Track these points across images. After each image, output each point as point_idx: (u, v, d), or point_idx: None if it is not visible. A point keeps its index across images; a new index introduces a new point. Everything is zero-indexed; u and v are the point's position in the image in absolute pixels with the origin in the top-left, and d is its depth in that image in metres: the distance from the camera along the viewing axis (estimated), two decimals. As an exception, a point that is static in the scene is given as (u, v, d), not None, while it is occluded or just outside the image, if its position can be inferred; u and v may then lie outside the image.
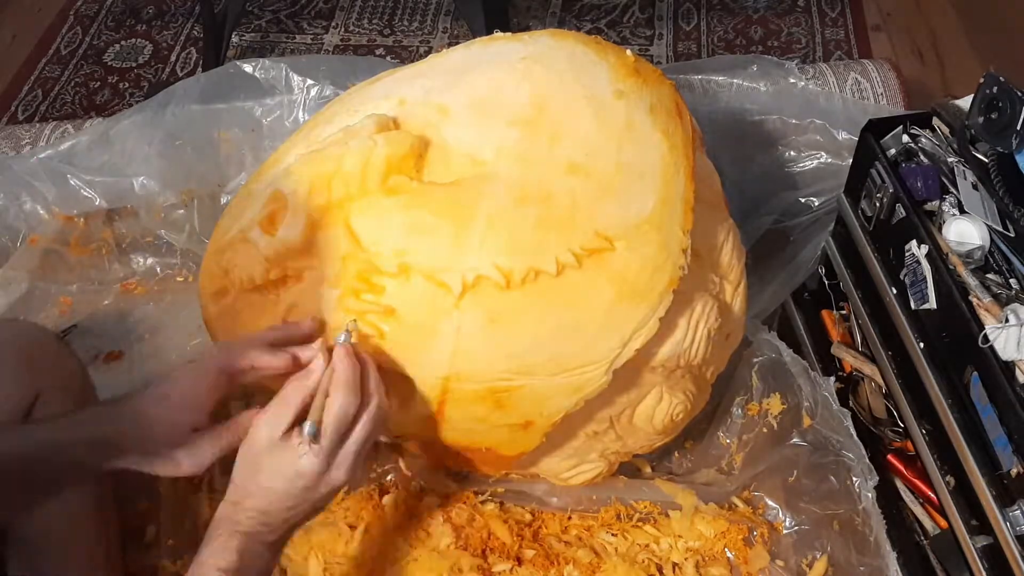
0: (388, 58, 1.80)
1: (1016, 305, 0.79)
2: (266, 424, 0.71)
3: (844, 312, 1.10)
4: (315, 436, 0.70)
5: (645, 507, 1.01)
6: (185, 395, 0.73)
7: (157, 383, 0.74)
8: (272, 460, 0.70)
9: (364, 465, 0.78)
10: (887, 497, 0.96)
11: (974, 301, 0.81)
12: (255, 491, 0.71)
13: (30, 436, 0.73)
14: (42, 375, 0.87)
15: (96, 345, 1.18)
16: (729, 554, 0.99)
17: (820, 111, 1.24)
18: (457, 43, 0.94)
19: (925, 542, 0.95)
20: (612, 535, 1.00)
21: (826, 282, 1.10)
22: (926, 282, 0.85)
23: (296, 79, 1.26)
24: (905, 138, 0.96)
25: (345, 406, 0.71)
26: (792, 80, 1.29)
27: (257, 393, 0.88)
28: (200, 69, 1.80)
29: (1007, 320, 0.78)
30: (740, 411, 1.08)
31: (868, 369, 1.03)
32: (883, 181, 0.92)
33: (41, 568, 0.82)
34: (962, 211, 0.88)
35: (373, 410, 0.73)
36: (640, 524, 1.01)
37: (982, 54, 1.70)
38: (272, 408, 0.72)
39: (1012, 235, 0.85)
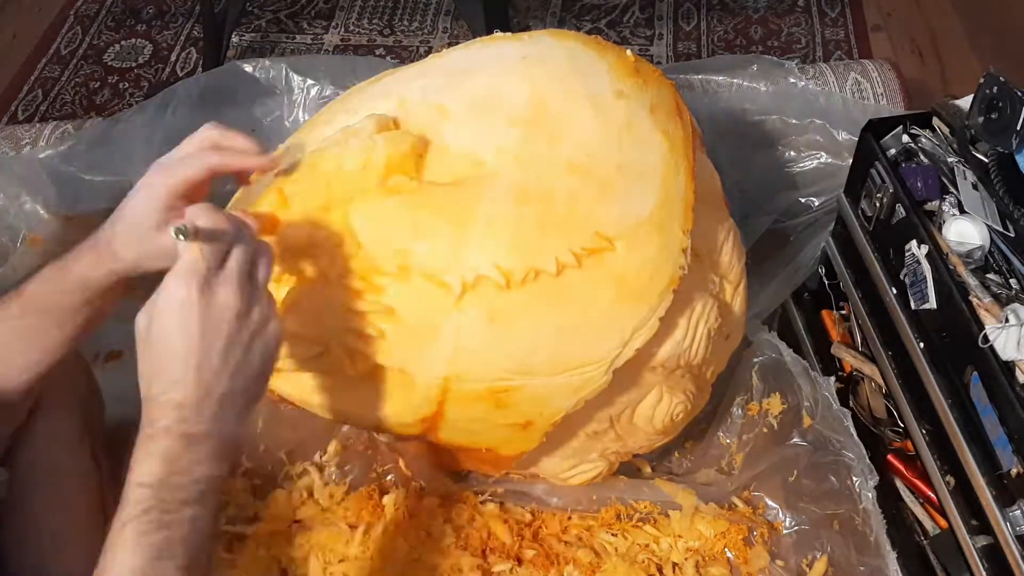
0: (388, 58, 1.80)
1: (1016, 305, 0.79)
2: (143, 309, 0.62)
3: (844, 312, 1.10)
4: (184, 232, 0.60)
5: (645, 507, 1.01)
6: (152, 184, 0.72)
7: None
8: (155, 321, 0.61)
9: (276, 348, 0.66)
10: (887, 497, 0.96)
11: (974, 301, 0.81)
12: (157, 367, 0.61)
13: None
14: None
15: (96, 345, 1.18)
16: (729, 554, 0.99)
17: (820, 111, 1.24)
18: (457, 43, 0.94)
19: (925, 542, 0.95)
20: (612, 535, 1.00)
21: (826, 282, 1.10)
22: (926, 282, 0.85)
23: (296, 79, 1.26)
24: (905, 138, 0.96)
25: (215, 221, 0.63)
26: (792, 80, 1.29)
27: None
28: (200, 69, 1.80)
29: (1007, 320, 0.78)
30: (740, 411, 1.08)
31: (868, 369, 1.03)
32: (883, 181, 0.92)
33: (41, 563, 0.82)
34: (962, 211, 0.88)
35: (252, 235, 0.66)
36: (640, 524, 1.01)
37: (982, 54, 1.70)
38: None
39: (1012, 235, 0.85)
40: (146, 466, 0.59)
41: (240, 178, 0.81)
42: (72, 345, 0.80)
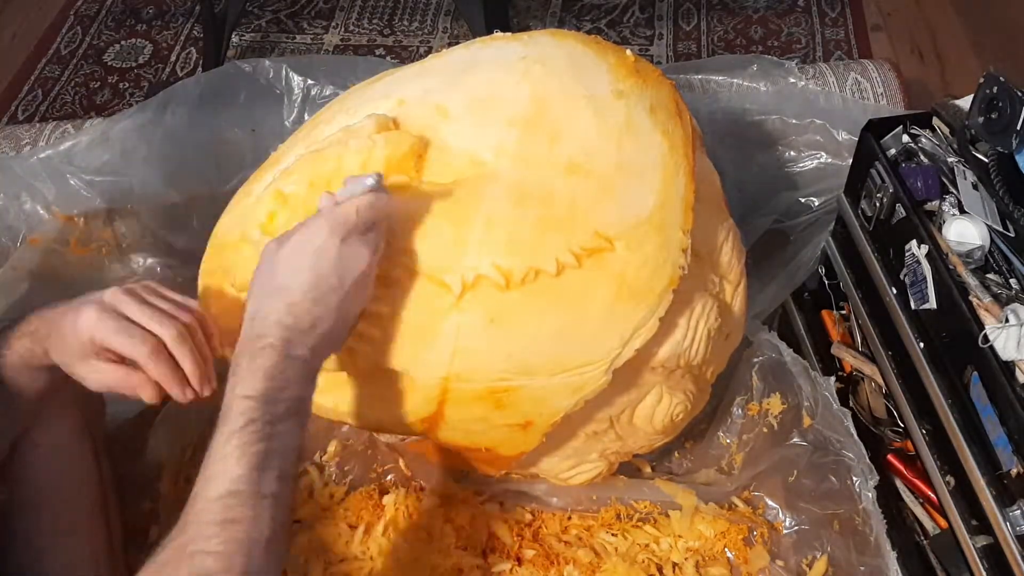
0: (388, 58, 1.80)
1: (1016, 305, 0.79)
2: (276, 239, 0.70)
3: (844, 312, 1.10)
4: (379, 179, 0.70)
5: (645, 507, 1.01)
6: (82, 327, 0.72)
7: (89, 295, 0.73)
8: (289, 247, 0.68)
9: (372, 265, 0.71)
10: (887, 497, 0.96)
11: (974, 301, 0.81)
12: (276, 288, 0.67)
13: None
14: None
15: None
16: (729, 554, 0.99)
17: (820, 111, 1.24)
18: (457, 43, 0.94)
19: (925, 542, 0.95)
20: (612, 535, 1.00)
21: (826, 282, 1.10)
22: (926, 282, 0.85)
23: (296, 79, 1.26)
24: (905, 138, 0.96)
25: (379, 200, 0.71)
26: (792, 80, 1.29)
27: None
28: (200, 69, 1.80)
29: (1007, 320, 0.78)
30: (740, 411, 1.08)
31: (868, 369, 1.03)
32: (883, 181, 0.92)
33: (42, 563, 0.82)
34: (962, 211, 0.88)
35: (381, 193, 0.72)
36: (640, 524, 1.01)
37: (982, 54, 1.70)
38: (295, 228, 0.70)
39: (1012, 235, 0.85)
40: (251, 380, 0.64)
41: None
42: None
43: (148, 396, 0.72)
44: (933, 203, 0.91)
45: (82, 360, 0.72)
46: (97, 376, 0.72)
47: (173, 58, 1.86)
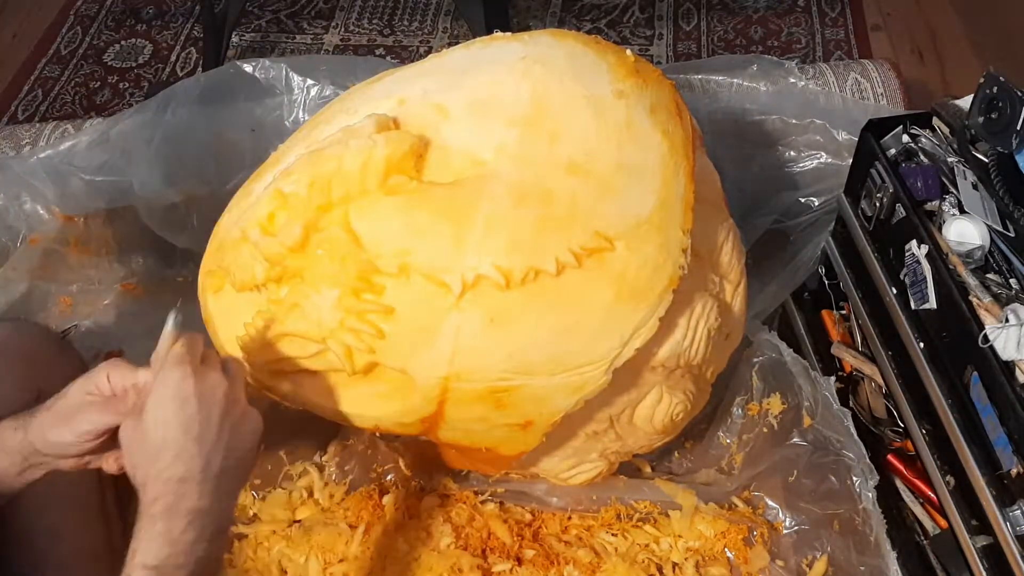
0: (388, 58, 1.80)
1: (1016, 305, 0.79)
2: (125, 423, 0.66)
3: (844, 312, 1.10)
4: (178, 321, 0.68)
5: (645, 507, 1.01)
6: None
7: (55, 399, 0.71)
8: (149, 410, 0.65)
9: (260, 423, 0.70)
10: (887, 497, 0.96)
11: (974, 301, 0.81)
12: (155, 449, 0.64)
13: None
14: (43, 375, 0.87)
15: (96, 345, 1.18)
16: (729, 554, 0.99)
17: (820, 111, 1.24)
18: (457, 43, 0.94)
19: (925, 542, 0.95)
20: (612, 535, 1.00)
21: (826, 282, 1.10)
22: (926, 282, 0.85)
23: (296, 79, 1.26)
24: (905, 138, 0.96)
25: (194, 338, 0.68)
26: (792, 80, 1.29)
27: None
28: (200, 69, 1.80)
29: (1007, 320, 0.78)
30: (740, 411, 1.08)
31: (868, 369, 1.03)
32: (883, 181, 0.92)
33: (40, 563, 0.82)
34: (962, 211, 0.88)
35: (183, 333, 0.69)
36: (640, 524, 1.01)
37: (982, 54, 1.70)
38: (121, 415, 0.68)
39: (1012, 235, 0.85)
40: (150, 547, 0.61)
41: None
42: None
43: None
44: (933, 203, 0.91)
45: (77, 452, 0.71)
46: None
47: (173, 58, 1.86)
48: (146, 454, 0.65)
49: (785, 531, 1.00)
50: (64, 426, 0.69)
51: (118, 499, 0.95)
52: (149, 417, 0.65)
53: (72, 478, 0.86)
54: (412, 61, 0.96)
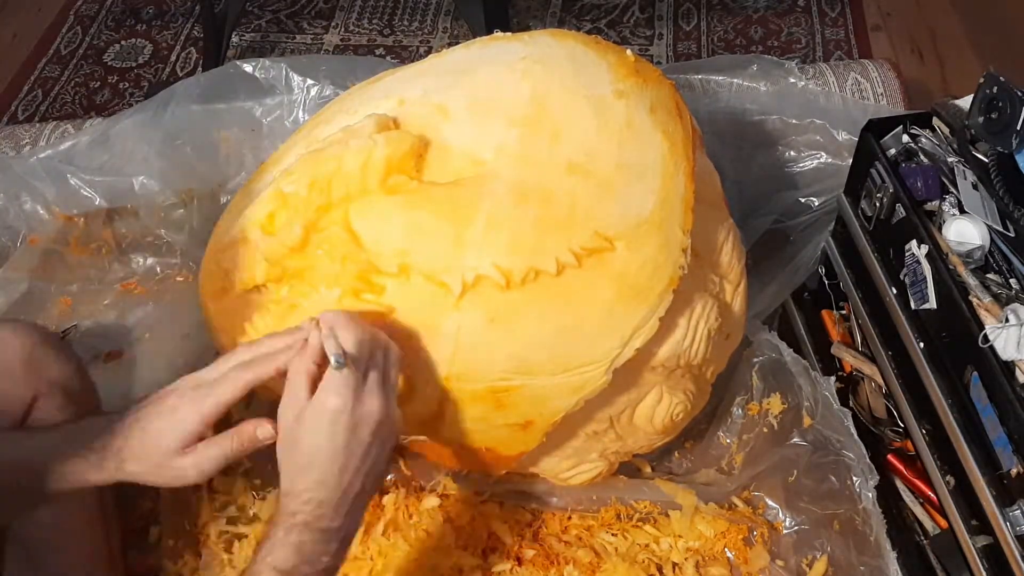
0: (388, 58, 1.80)
1: (1016, 305, 0.79)
2: (287, 406, 0.70)
3: (844, 312, 1.10)
4: (341, 363, 0.68)
5: (645, 507, 1.01)
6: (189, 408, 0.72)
7: (161, 393, 0.73)
8: (304, 425, 0.68)
9: (395, 409, 0.72)
10: (887, 497, 0.96)
11: (974, 301, 0.81)
12: (302, 466, 0.68)
13: (26, 442, 0.73)
14: (42, 375, 0.87)
15: (96, 345, 1.18)
16: (729, 554, 0.99)
17: (820, 111, 1.24)
18: (457, 43, 0.94)
19: (925, 542, 0.95)
20: (612, 535, 1.00)
21: (826, 282, 1.10)
22: (926, 282, 0.85)
23: (296, 79, 1.26)
24: (905, 138, 0.96)
25: (357, 336, 0.70)
26: (792, 80, 1.29)
27: (258, 393, 0.88)
28: (200, 69, 1.80)
29: (1007, 320, 0.78)
30: (740, 411, 1.08)
31: (868, 369, 1.03)
32: (883, 181, 0.92)
33: (39, 565, 0.82)
34: (962, 211, 0.88)
35: (385, 342, 0.73)
36: (640, 524, 1.01)
37: (982, 54, 1.70)
38: (286, 392, 0.71)
39: (1012, 235, 0.85)
40: (283, 553, 0.66)
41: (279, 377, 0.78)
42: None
43: (267, 435, 0.74)
44: (933, 203, 0.91)
45: (174, 459, 0.72)
46: (197, 464, 0.72)
47: (173, 58, 1.86)
48: (294, 465, 0.69)
49: (785, 531, 1.00)
50: (176, 464, 0.72)
51: (118, 500, 0.95)
52: (303, 433, 0.68)
53: (82, 501, 0.87)
54: (412, 61, 0.96)
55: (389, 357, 0.73)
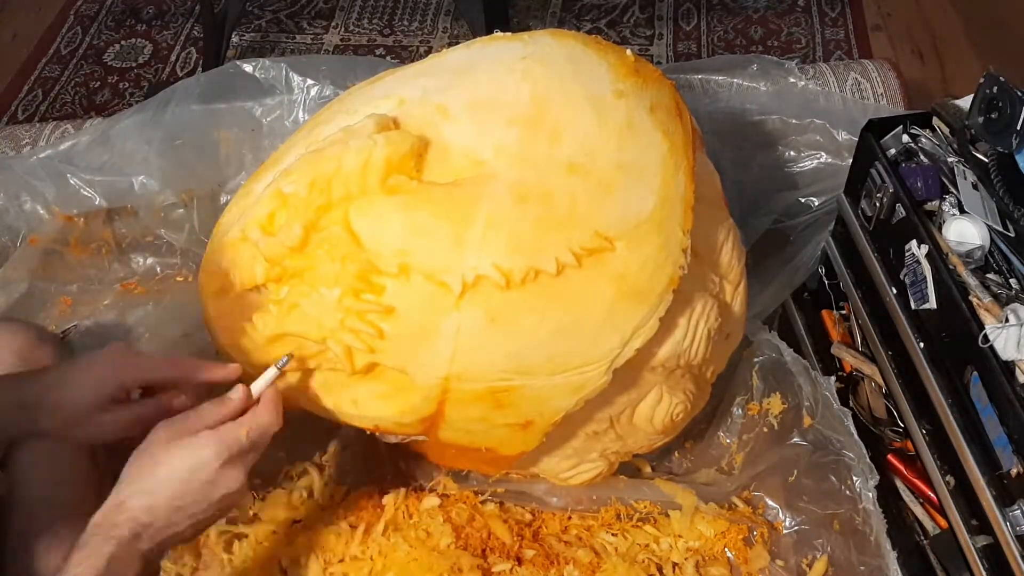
0: (388, 58, 1.80)
1: (1016, 305, 0.79)
2: (171, 426, 0.72)
3: (844, 312, 1.10)
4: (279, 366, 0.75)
5: (645, 507, 1.01)
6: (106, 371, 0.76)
7: (83, 355, 0.76)
8: (172, 452, 0.70)
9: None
10: (887, 497, 0.96)
11: (974, 301, 0.81)
12: (147, 487, 0.69)
13: None
14: None
15: (96, 345, 1.18)
16: (729, 554, 0.99)
17: (820, 111, 1.24)
18: (457, 43, 0.94)
19: (925, 542, 0.95)
20: (612, 535, 1.00)
21: (826, 282, 1.10)
22: (926, 282, 0.85)
23: (296, 79, 1.26)
24: (905, 138, 0.96)
25: (270, 423, 0.74)
26: (792, 80, 1.29)
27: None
28: (200, 69, 1.80)
29: (1007, 320, 0.78)
30: (740, 411, 1.08)
31: (868, 369, 1.03)
32: (883, 181, 0.92)
33: (39, 563, 0.82)
34: (962, 211, 0.88)
35: (273, 415, 0.76)
36: (640, 524, 1.01)
37: (982, 54, 1.70)
38: (181, 418, 0.73)
39: (1012, 235, 0.85)
40: (93, 563, 0.66)
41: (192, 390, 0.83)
42: None
43: (182, 404, 0.77)
44: (933, 203, 0.91)
45: (89, 416, 0.75)
46: (114, 421, 0.76)
47: (173, 58, 1.86)
48: (139, 481, 0.70)
49: (785, 531, 1.00)
50: (89, 424, 0.76)
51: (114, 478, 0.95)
52: (167, 457, 0.70)
53: (70, 479, 0.87)
54: (412, 61, 0.96)
55: (267, 440, 0.76)
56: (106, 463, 0.94)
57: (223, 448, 0.70)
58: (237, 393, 0.75)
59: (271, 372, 0.78)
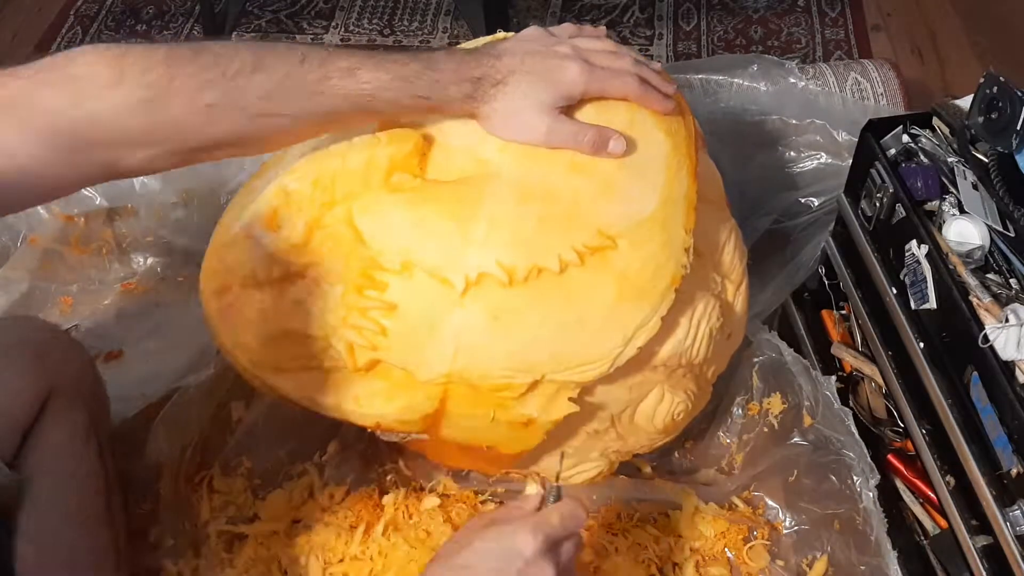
0: (388, 58, 1.79)
1: (1016, 305, 0.79)
2: (483, 515, 0.74)
3: (844, 312, 1.10)
4: (556, 494, 0.74)
5: (645, 507, 1.01)
6: None
7: None
8: (488, 535, 0.69)
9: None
10: (887, 497, 0.96)
11: (974, 301, 0.81)
12: (456, 566, 0.68)
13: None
14: (54, 371, 0.87)
15: (96, 345, 1.18)
16: (729, 554, 0.99)
17: (820, 111, 1.24)
18: (457, 43, 0.94)
19: (925, 542, 0.95)
20: (612, 535, 1.00)
21: (826, 282, 1.10)
22: (926, 282, 0.85)
23: (296, 79, 1.26)
24: (905, 138, 0.96)
25: (577, 507, 0.73)
26: (792, 80, 1.29)
27: (258, 389, 0.88)
28: (200, 69, 1.79)
29: (1007, 320, 0.78)
30: (740, 411, 1.08)
31: (868, 369, 1.03)
32: (883, 181, 0.92)
33: (48, 564, 0.82)
34: (962, 211, 0.88)
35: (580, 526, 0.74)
36: (640, 524, 1.01)
37: (982, 54, 1.70)
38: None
39: (1012, 235, 0.85)
40: None
41: None
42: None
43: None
44: (933, 203, 0.91)
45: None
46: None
47: (173, 58, 1.86)
48: (451, 559, 0.69)
49: (785, 531, 1.00)
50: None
51: (124, 504, 0.96)
52: (483, 537, 0.69)
53: (79, 477, 0.87)
54: (412, 61, 0.96)
55: (574, 549, 0.73)
56: (114, 464, 0.94)
57: (539, 530, 0.68)
58: (533, 489, 0.75)
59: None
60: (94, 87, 0.65)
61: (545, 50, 0.78)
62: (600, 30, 0.88)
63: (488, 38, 0.92)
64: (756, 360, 1.05)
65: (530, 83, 0.76)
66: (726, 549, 0.99)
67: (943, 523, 0.92)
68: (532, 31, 0.82)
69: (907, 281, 0.89)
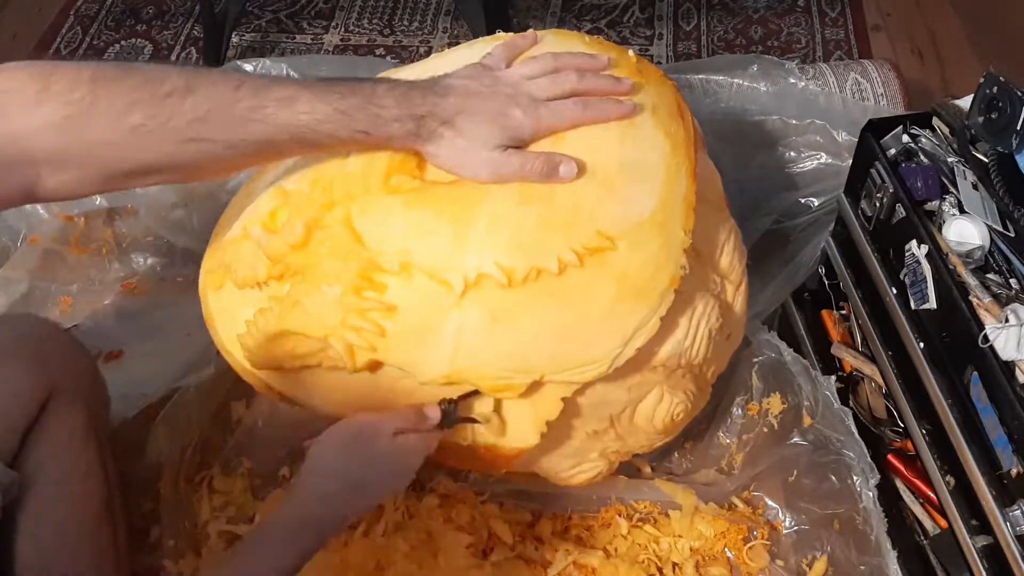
0: (388, 58, 1.80)
1: (1016, 305, 0.79)
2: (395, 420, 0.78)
3: (844, 312, 1.10)
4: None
5: (645, 507, 1.01)
6: None
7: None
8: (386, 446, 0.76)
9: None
10: (887, 497, 0.96)
11: (974, 301, 0.81)
12: (350, 484, 0.74)
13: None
14: (54, 371, 0.87)
15: (96, 345, 1.18)
16: (729, 554, 0.99)
17: (820, 111, 1.24)
18: (457, 43, 0.94)
19: (925, 542, 0.95)
20: (612, 535, 1.00)
21: (826, 282, 1.10)
22: (926, 282, 0.85)
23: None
24: (905, 138, 0.96)
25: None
26: (792, 80, 1.29)
27: (260, 392, 0.88)
28: (200, 69, 1.79)
29: (1007, 320, 0.78)
30: (740, 411, 1.08)
31: (868, 369, 1.03)
32: (883, 181, 0.92)
33: (48, 563, 0.82)
34: (962, 211, 0.88)
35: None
36: (640, 524, 1.01)
37: (982, 54, 1.70)
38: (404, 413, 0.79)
39: (1012, 235, 0.85)
40: (291, 557, 0.72)
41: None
42: None
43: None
44: (933, 203, 0.91)
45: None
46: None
47: (173, 58, 1.86)
48: (311, 469, 0.76)
49: (785, 531, 1.00)
50: None
51: (124, 504, 0.96)
52: (377, 458, 0.77)
53: (80, 477, 0.87)
54: (412, 61, 0.96)
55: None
56: (114, 464, 0.94)
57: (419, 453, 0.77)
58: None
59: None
60: (16, 104, 0.63)
61: (488, 91, 0.77)
62: (530, 34, 0.88)
63: (488, 38, 0.92)
64: (756, 360, 1.05)
65: (476, 124, 0.76)
66: (726, 549, 0.99)
67: (943, 523, 0.93)
68: (470, 69, 0.80)
69: (907, 281, 0.89)
